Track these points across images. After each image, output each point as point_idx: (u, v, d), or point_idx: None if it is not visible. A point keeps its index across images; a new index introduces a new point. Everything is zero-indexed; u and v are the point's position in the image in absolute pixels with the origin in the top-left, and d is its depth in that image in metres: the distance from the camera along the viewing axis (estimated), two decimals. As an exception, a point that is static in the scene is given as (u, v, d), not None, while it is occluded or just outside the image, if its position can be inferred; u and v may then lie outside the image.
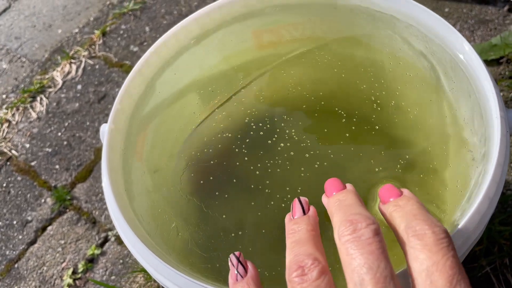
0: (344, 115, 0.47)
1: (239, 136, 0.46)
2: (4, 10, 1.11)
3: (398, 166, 0.44)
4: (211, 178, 0.44)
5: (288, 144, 0.45)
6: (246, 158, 0.44)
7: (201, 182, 0.44)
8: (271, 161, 0.43)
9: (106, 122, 0.45)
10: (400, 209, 0.24)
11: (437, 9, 0.85)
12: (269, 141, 0.45)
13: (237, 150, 0.44)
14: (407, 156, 0.44)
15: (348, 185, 0.29)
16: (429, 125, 0.46)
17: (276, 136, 0.46)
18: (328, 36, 0.52)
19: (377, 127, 0.46)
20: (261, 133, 0.46)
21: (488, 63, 0.76)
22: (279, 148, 0.45)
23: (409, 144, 0.46)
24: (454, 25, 0.82)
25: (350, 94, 0.50)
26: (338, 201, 0.26)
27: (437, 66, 0.44)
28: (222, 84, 0.50)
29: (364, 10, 0.48)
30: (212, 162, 0.44)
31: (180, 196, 0.43)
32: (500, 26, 0.80)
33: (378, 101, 0.49)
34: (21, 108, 0.88)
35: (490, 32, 0.80)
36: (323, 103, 0.48)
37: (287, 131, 0.46)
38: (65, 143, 0.82)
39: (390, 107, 0.48)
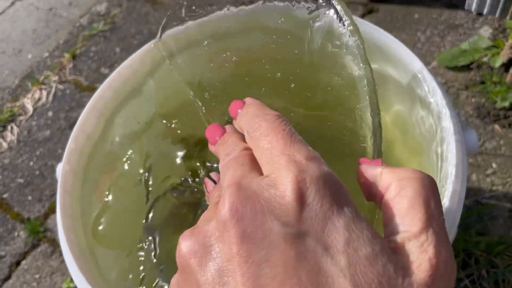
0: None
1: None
2: (-27, 37, 1.09)
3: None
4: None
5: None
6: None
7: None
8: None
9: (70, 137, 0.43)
10: (242, 116, 0.24)
11: (407, 15, 0.85)
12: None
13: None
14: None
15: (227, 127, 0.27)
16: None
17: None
18: (285, 58, 0.52)
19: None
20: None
21: (459, 69, 0.75)
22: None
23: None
24: (424, 31, 0.82)
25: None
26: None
27: (397, 87, 0.44)
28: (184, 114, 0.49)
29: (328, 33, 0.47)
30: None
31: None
32: (470, 30, 0.80)
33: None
34: (-9, 139, 0.87)
35: (460, 37, 0.80)
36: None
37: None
38: (37, 172, 0.80)
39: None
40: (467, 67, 0.75)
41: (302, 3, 0.36)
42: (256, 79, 0.45)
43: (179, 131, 0.48)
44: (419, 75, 0.40)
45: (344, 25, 0.33)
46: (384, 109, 0.46)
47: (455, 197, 0.34)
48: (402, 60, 0.42)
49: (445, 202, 0.34)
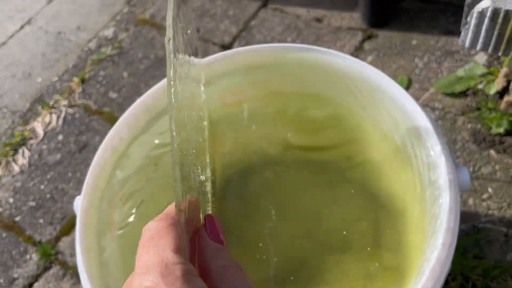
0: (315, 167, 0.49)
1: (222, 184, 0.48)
2: (-16, 60, 1.12)
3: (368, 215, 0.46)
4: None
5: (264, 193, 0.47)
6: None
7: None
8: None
9: (88, 173, 0.46)
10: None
11: (405, 41, 0.88)
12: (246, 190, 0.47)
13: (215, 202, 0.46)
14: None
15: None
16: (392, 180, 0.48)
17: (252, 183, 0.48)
18: (292, 91, 0.54)
19: (347, 177, 0.48)
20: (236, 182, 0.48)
21: (456, 95, 0.78)
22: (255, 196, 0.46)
23: (374, 195, 0.48)
24: (422, 57, 0.85)
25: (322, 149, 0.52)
26: None
27: (396, 129, 0.46)
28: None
29: (328, 70, 0.50)
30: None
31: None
32: (466, 57, 0.83)
33: (348, 155, 0.51)
34: (3, 162, 0.89)
35: (457, 64, 0.83)
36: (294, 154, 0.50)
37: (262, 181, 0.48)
38: (48, 196, 0.83)
39: (359, 162, 0.50)
40: (463, 93, 0.78)
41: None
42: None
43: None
44: (414, 114, 0.43)
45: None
46: (383, 141, 0.49)
47: (449, 233, 0.37)
48: (396, 100, 0.45)
49: (440, 236, 0.36)
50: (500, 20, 0.53)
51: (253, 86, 0.53)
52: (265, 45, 0.50)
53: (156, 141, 0.51)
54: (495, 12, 0.52)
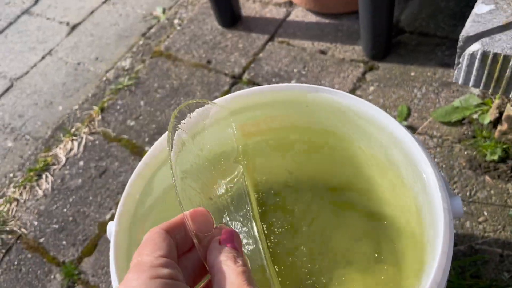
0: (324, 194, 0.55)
1: (232, 208, 0.53)
2: (7, 89, 1.19)
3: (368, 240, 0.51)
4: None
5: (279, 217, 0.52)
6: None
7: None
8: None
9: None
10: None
11: (404, 73, 0.94)
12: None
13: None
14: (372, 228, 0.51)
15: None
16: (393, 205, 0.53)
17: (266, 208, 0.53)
18: (302, 125, 0.60)
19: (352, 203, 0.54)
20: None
21: (452, 124, 0.84)
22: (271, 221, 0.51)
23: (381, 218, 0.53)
24: (420, 88, 0.91)
25: (332, 175, 0.58)
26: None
27: (392, 157, 0.52)
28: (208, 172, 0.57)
29: (331, 107, 0.56)
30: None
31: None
32: (461, 88, 0.89)
33: (352, 181, 0.56)
34: (28, 187, 0.95)
35: (453, 94, 0.88)
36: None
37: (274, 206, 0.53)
38: (70, 218, 0.88)
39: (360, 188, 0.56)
40: (459, 122, 0.83)
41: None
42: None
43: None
44: (412, 150, 0.49)
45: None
46: (380, 175, 0.54)
47: (444, 257, 0.42)
48: (394, 134, 0.50)
49: (436, 261, 0.41)
50: (489, 62, 0.58)
51: (272, 119, 0.59)
52: (283, 85, 0.56)
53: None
54: (484, 54, 0.58)
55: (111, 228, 0.51)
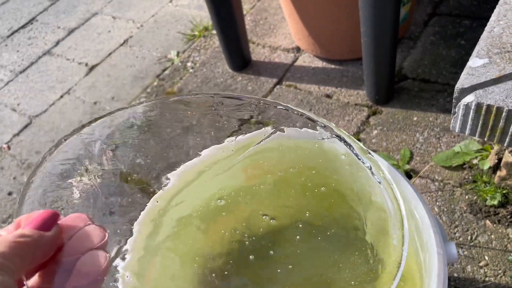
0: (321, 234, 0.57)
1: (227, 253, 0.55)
2: (26, 126, 1.24)
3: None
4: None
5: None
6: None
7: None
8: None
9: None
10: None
11: (407, 117, 0.98)
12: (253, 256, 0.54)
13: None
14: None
15: None
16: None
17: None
18: (312, 168, 0.63)
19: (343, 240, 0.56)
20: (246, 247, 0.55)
21: (453, 168, 0.86)
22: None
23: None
24: (422, 133, 0.94)
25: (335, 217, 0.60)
26: None
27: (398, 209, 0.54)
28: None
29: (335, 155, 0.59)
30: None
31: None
32: (463, 134, 0.92)
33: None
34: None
35: (454, 139, 0.91)
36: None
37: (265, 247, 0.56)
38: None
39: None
40: (460, 167, 0.86)
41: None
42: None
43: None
44: (408, 196, 0.51)
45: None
46: (384, 217, 0.57)
47: (438, 300, 0.44)
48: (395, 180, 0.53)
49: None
50: (483, 112, 0.62)
51: (278, 162, 0.62)
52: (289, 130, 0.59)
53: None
54: (478, 106, 0.61)
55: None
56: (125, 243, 0.45)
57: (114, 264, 0.39)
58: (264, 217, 0.56)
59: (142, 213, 0.51)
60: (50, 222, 0.27)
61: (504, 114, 0.60)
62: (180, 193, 0.55)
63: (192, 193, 0.55)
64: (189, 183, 0.55)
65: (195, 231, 0.58)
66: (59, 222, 0.28)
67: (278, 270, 0.51)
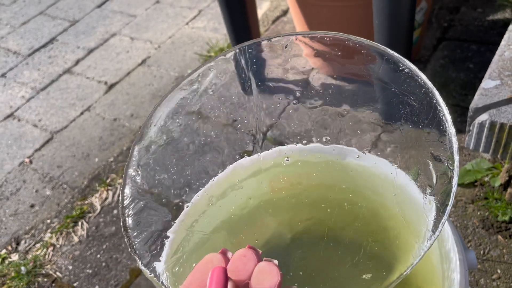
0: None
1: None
2: (47, 141, 1.28)
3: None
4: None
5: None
6: None
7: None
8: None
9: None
10: None
11: (419, 137, 1.01)
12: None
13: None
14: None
15: None
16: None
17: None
18: (331, 184, 0.66)
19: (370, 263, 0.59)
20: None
21: (465, 185, 0.89)
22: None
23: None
24: (434, 151, 0.98)
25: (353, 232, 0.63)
26: None
27: (417, 218, 0.58)
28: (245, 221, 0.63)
29: (363, 170, 0.63)
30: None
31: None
32: (473, 152, 0.96)
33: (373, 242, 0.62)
34: (64, 233, 1.01)
35: (465, 158, 0.95)
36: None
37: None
38: (103, 264, 0.93)
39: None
40: (472, 184, 0.89)
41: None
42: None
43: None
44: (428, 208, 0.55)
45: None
46: (405, 229, 0.60)
47: (461, 304, 0.46)
48: (412, 194, 0.57)
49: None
50: (497, 130, 0.66)
51: (301, 176, 0.66)
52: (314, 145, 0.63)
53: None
54: (492, 124, 0.65)
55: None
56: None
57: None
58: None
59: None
60: (226, 281, 0.28)
61: (516, 132, 0.64)
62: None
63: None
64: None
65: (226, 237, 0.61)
66: None
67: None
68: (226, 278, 0.28)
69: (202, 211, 0.64)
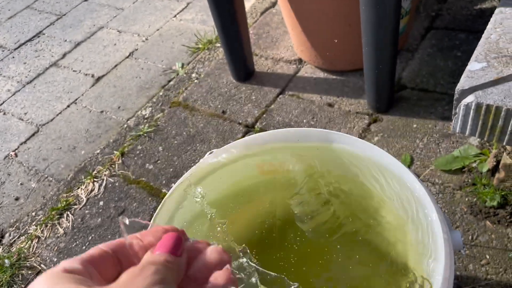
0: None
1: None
2: (33, 134, 1.26)
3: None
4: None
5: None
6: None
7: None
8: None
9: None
10: None
11: (407, 125, 1.01)
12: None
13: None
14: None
15: None
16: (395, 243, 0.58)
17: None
18: (318, 167, 0.66)
19: (360, 239, 0.58)
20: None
21: (453, 172, 0.89)
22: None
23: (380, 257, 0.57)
24: (422, 139, 0.97)
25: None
26: None
27: (401, 201, 0.57)
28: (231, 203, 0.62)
29: (348, 154, 0.62)
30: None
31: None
32: (461, 139, 0.95)
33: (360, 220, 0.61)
34: (49, 225, 0.99)
35: (453, 144, 0.95)
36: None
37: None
38: (89, 256, 0.92)
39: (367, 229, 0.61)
40: (460, 170, 0.89)
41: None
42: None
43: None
44: (415, 187, 0.54)
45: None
46: (389, 212, 0.59)
47: (445, 283, 0.46)
48: (402, 178, 0.56)
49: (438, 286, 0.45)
50: (483, 112, 0.65)
51: (289, 160, 0.65)
52: (307, 129, 0.62)
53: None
54: (478, 105, 0.65)
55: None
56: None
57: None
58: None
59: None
60: (181, 245, 0.28)
61: (503, 113, 0.63)
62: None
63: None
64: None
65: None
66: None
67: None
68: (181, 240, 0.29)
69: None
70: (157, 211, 0.56)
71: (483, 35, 0.73)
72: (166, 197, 0.56)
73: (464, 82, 0.67)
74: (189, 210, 0.59)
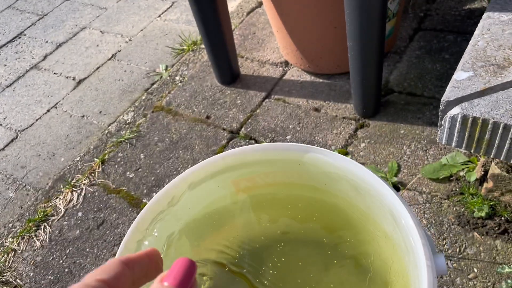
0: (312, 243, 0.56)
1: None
2: (12, 141, 1.23)
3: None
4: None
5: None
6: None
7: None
8: None
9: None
10: None
11: (394, 130, 0.98)
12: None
13: None
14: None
15: None
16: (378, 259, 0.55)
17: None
18: (293, 182, 0.63)
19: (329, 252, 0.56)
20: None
21: (440, 180, 0.87)
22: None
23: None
24: (409, 145, 0.95)
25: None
26: None
27: (380, 218, 0.54)
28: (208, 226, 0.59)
29: (323, 167, 0.59)
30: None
31: None
32: (450, 146, 0.93)
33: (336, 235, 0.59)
34: (26, 237, 0.96)
35: (441, 151, 0.92)
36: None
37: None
38: (66, 270, 0.89)
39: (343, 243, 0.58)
40: (447, 179, 0.86)
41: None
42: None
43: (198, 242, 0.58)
44: (396, 207, 0.51)
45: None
46: (369, 230, 0.57)
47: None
48: (384, 196, 0.53)
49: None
50: (469, 124, 0.62)
51: (264, 176, 0.62)
52: (279, 144, 0.59)
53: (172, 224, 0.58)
54: (464, 118, 0.62)
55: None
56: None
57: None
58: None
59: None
60: (192, 277, 0.28)
61: (489, 126, 0.61)
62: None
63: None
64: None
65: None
66: None
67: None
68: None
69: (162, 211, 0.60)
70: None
71: (470, 42, 0.70)
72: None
73: (449, 93, 0.64)
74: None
